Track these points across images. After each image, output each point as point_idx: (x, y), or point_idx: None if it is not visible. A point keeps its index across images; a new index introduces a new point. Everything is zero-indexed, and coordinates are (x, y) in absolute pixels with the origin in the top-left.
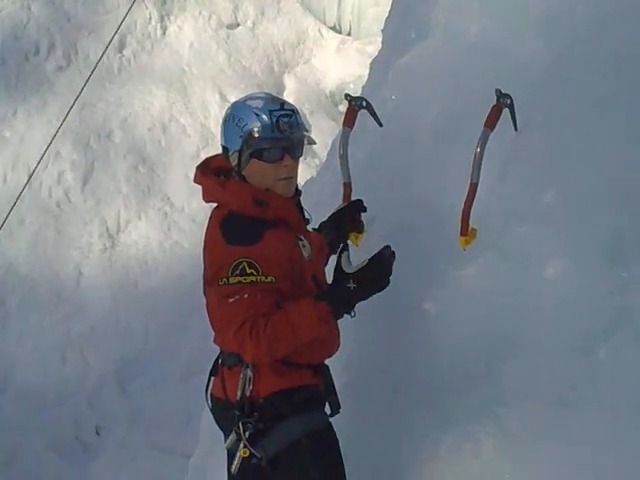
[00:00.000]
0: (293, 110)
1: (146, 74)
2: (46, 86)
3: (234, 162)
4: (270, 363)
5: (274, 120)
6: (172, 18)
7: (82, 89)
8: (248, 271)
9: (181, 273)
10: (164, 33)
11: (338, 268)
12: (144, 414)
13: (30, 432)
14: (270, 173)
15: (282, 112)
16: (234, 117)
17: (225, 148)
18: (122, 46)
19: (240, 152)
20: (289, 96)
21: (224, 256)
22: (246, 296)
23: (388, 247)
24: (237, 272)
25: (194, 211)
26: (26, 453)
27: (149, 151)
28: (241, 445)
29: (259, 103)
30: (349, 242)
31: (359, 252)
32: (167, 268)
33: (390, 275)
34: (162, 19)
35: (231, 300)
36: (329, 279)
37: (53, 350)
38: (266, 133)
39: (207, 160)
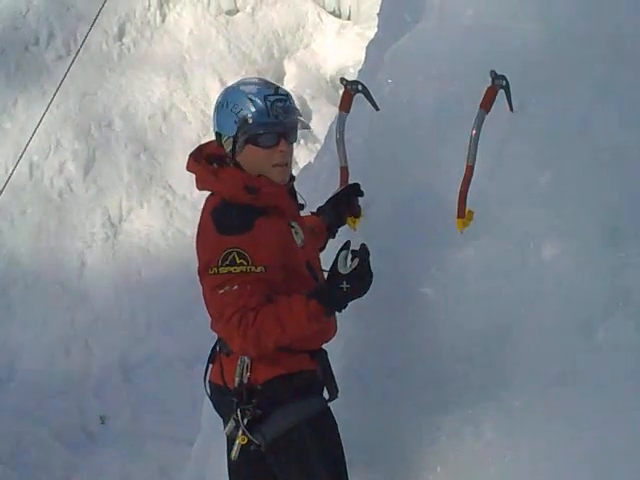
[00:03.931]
0: (287, 95)
1: (146, 62)
2: (46, 76)
3: (228, 148)
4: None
5: (269, 105)
6: (171, 5)
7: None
8: (238, 261)
9: (183, 261)
10: (163, 20)
11: (334, 267)
12: (149, 403)
13: (35, 422)
14: (265, 159)
15: (276, 97)
16: (228, 103)
17: (218, 134)
18: (122, 34)
19: (235, 138)
20: (289, 81)
21: (215, 246)
22: (235, 287)
23: (363, 245)
24: (227, 262)
25: (196, 199)
26: (31, 443)
27: (150, 139)
28: (239, 432)
29: (253, 88)
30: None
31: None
32: (169, 256)
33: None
34: (161, 6)
35: (221, 291)
36: (324, 265)
37: (57, 340)
38: (261, 118)
39: (200, 147)
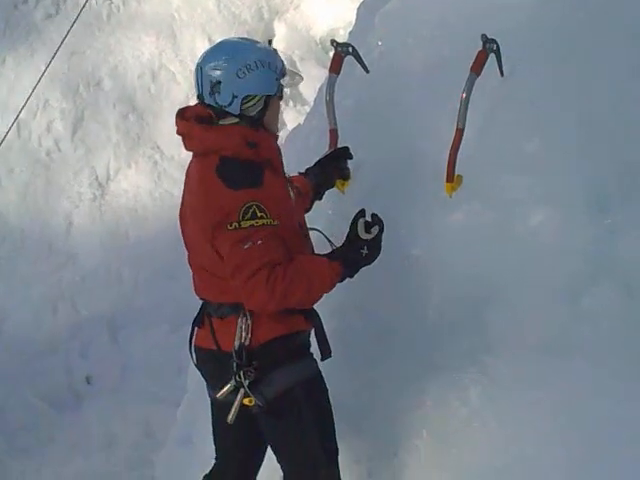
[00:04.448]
0: None
1: (135, 21)
2: (35, 35)
3: (257, 109)
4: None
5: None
6: None
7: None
8: (259, 214)
9: (171, 221)
10: None
11: (353, 232)
12: (135, 363)
13: (22, 382)
14: (279, 110)
15: None
16: (262, 63)
17: (246, 98)
18: None
19: (270, 96)
20: (279, 42)
21: (231, 201)
22: (260, 242)
23: (376, 215)
24: (248, 216)
25: (184, 159)
26: (17, 403)
27: (139, 99)
28: (240, 394)
29: (265, 45)
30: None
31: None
32: (157, 217)
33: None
34: None
35: (245, 246)
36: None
37: (44, 300)
38: (285, 71)
39: (181, 110)
